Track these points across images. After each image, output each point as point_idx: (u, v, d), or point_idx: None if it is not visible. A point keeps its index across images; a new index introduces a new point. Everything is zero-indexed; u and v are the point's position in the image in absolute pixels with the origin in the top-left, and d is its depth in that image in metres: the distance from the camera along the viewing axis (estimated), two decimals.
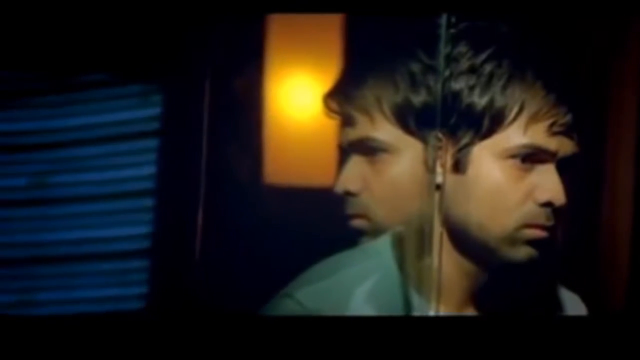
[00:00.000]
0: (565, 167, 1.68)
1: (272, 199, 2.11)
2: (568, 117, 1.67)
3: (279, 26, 2.12)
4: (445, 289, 1.74)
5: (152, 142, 2.15)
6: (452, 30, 1.74)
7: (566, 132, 1.67)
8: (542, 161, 1.66)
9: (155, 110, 2.16)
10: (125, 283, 2.17)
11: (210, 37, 2.13)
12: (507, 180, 1.68)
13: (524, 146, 1.66)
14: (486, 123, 1.66)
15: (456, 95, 1.70)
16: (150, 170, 2.16)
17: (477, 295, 1.73)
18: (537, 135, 1.65)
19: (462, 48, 1.71)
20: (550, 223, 1.67)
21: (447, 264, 1.73)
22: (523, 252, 1.68)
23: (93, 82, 2.17)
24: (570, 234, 1.80)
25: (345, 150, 1.85)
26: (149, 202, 2.16)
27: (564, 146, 1.67)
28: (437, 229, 1.73)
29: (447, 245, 1.72)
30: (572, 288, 1.85)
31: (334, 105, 1.87)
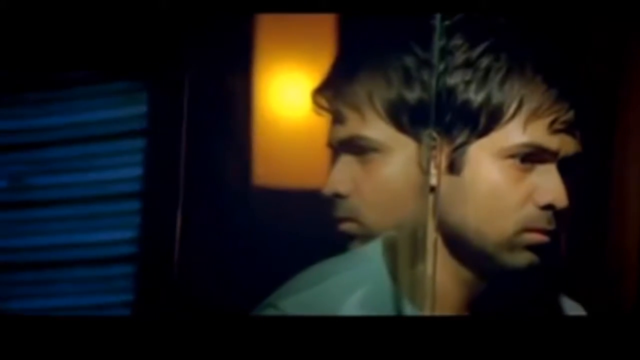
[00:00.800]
0: (567, 167, 1.58)
1: (260, 201, 2.04)
2: (570, 114, 1.57)
3: (267, 21, 2.06)
4: (440, 298, 1.65)
5: (138, 142, 2.09)
6: (447, 22, 1.64)
7: (568, 129, 1.57)
8: (542, 161, 1.57)
9: (140, 109, 2.09)
10: (109, 290, 2.10)
11: (197, 35, 2.07)
12: (505, 181, 1.58)
13: (523, 145, 1.56)
14: (483, 121, 1.57)
15: (451, 91, 1.60)
16: (136, 171, 2.09)
17: (473, 304, 1.64)
18: (537, 133, 1.56)
19: (457, 40, 1.62)
20: (551, 227, 1.57)
21: (442, 271, 1.64)
22: (523, 258, 1.58)
23: (75, 79, 2.10)
24: (573, 239, 1.72)
25: (336, 150, 1.76)
26: (134, 205, 2.09)
27: (566, 145, 1.57)
28: (432, 234, 1.64)
29: (442, 251, 1.63)
30: (576, 297, 1.76)
31: (323, 102, 1.77)
